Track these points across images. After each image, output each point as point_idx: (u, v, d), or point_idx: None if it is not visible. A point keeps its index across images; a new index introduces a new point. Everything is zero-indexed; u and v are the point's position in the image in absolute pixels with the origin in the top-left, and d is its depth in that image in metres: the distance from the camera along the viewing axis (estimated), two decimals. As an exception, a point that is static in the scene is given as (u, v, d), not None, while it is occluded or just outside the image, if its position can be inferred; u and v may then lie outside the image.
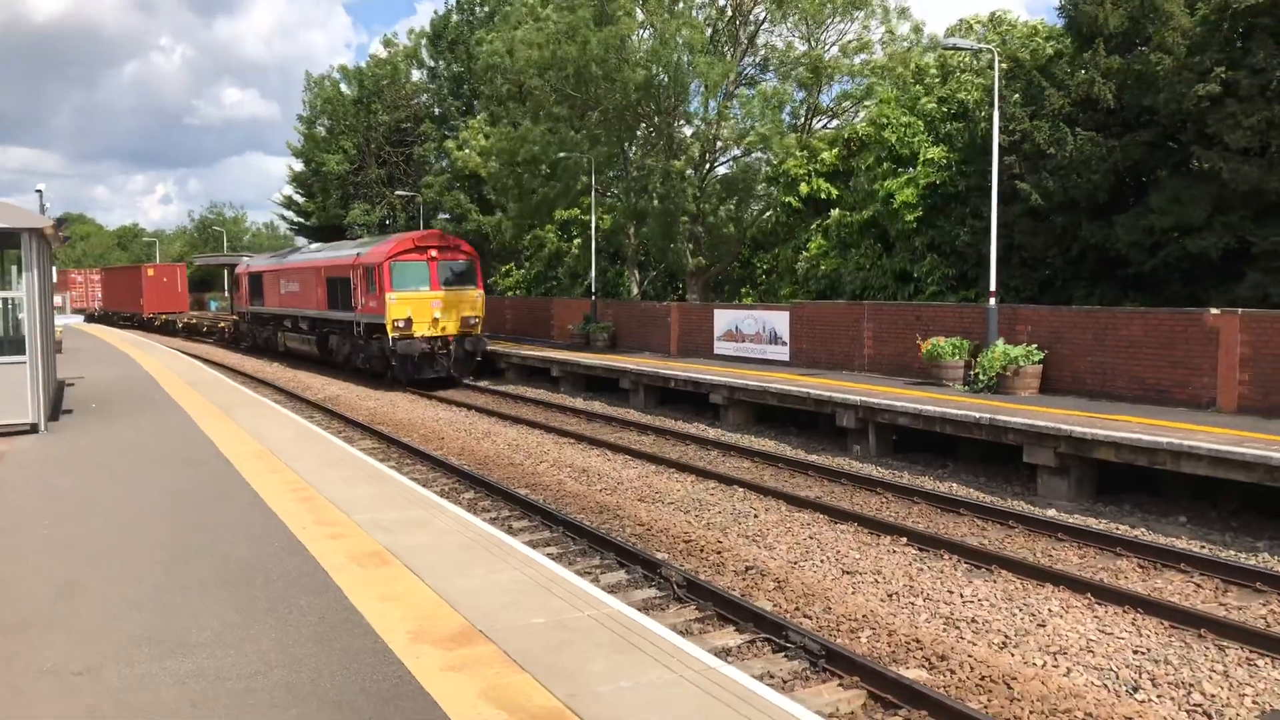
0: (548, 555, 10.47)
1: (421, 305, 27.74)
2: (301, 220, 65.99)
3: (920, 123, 26.68)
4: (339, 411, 23.65)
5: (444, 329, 28.07)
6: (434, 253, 28.29)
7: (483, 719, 5.03)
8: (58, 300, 67.48)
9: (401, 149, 59.16)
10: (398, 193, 56.60)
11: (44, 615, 6.81)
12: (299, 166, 64.29)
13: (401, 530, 8.98)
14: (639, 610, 7.54)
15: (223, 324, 48.70)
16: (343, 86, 61.34)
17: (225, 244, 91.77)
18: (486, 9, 54.90)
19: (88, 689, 5.53)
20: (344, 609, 6.74)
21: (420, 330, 27.72)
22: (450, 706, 5.16)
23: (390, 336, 27.39)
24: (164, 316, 58.00)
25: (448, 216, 53.25)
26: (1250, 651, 8.38)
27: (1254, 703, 7.48)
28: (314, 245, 43.47)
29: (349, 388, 29.25)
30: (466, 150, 44.81)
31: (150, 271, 60.70)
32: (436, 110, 59.10)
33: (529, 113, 34.23)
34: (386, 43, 61.10)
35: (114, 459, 12.93)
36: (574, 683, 5.46)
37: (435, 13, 60.68)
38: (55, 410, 17.30)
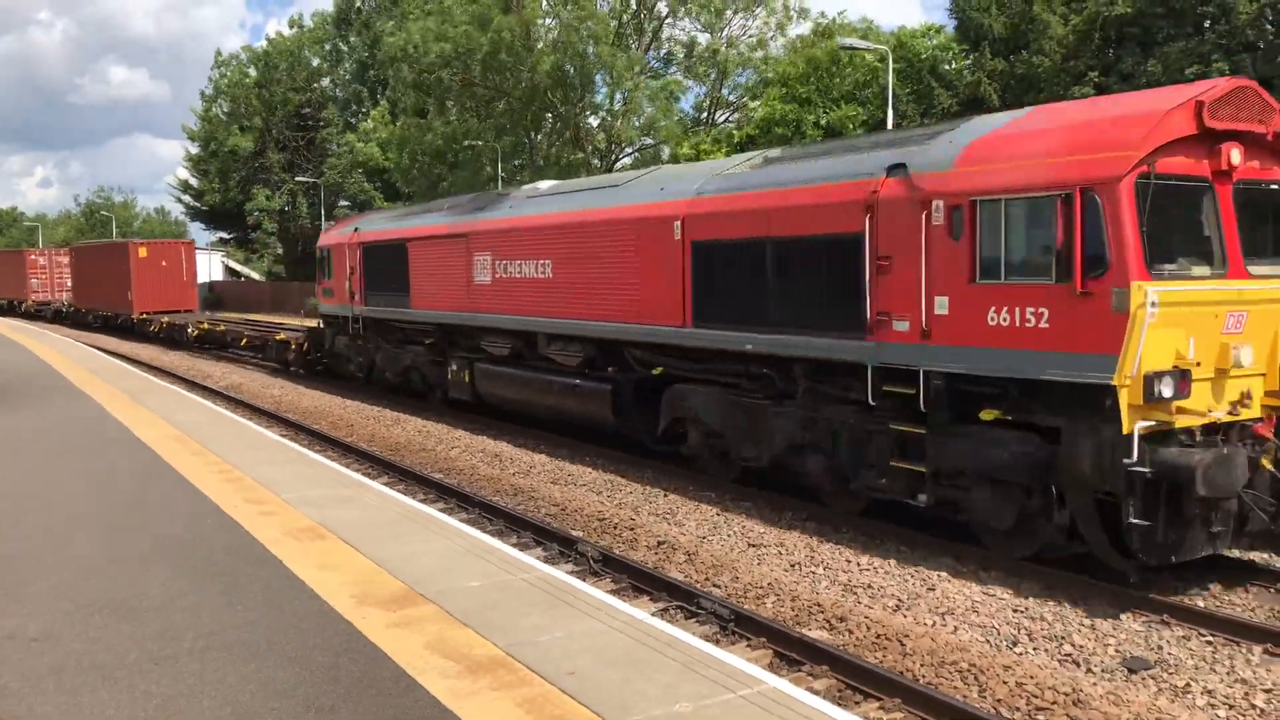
0: (469, 532, 10.89)
1: (1209, 326, 9.26)
2: (197, 204, 64.54)
3: (811, 114, 27.55)
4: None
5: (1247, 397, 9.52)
6: (1234, 156, 9.24)
7: (431, 667, 5.50)
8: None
9: (302, 133, 58.35)
10: (298, 178, 55.86)
11: (-12, 588, 7.02)
12: (195, 149, 62.91)
13: (331, 506, 9.33)
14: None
15: (283, 336, 29.45)
16: (250, 70, 60.21)
17: (115, 230, 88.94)
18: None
19: (49, 651, 5.83)
20: (286, 577, 7.12)
21: (1206, 405, 9.27)
22: (400, 658, 5.63)
23: (1129, 429, 8.67)
24: (165, 319, 39.35)
25: (348, 204, 52.78)
26: (1114, 608, 9.26)
27: (1116, 650, 8.33)
28: (581, 181, 21.23)
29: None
30: (369, 143, 44.60)
31: (142, 252, 41.94)
32: (338, 94, 58.52)
33: (434, 104, 34.33)
34: (292, 23, 60.24)
35: (31, 445, 12.91)
36: (513, 635, 5.97)
37: None
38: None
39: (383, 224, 23.29)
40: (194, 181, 64.34)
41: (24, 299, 55.89)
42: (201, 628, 6.17)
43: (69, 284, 53.66)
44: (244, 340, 32.95)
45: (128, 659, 5.71)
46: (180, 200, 69.11)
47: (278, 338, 29.66)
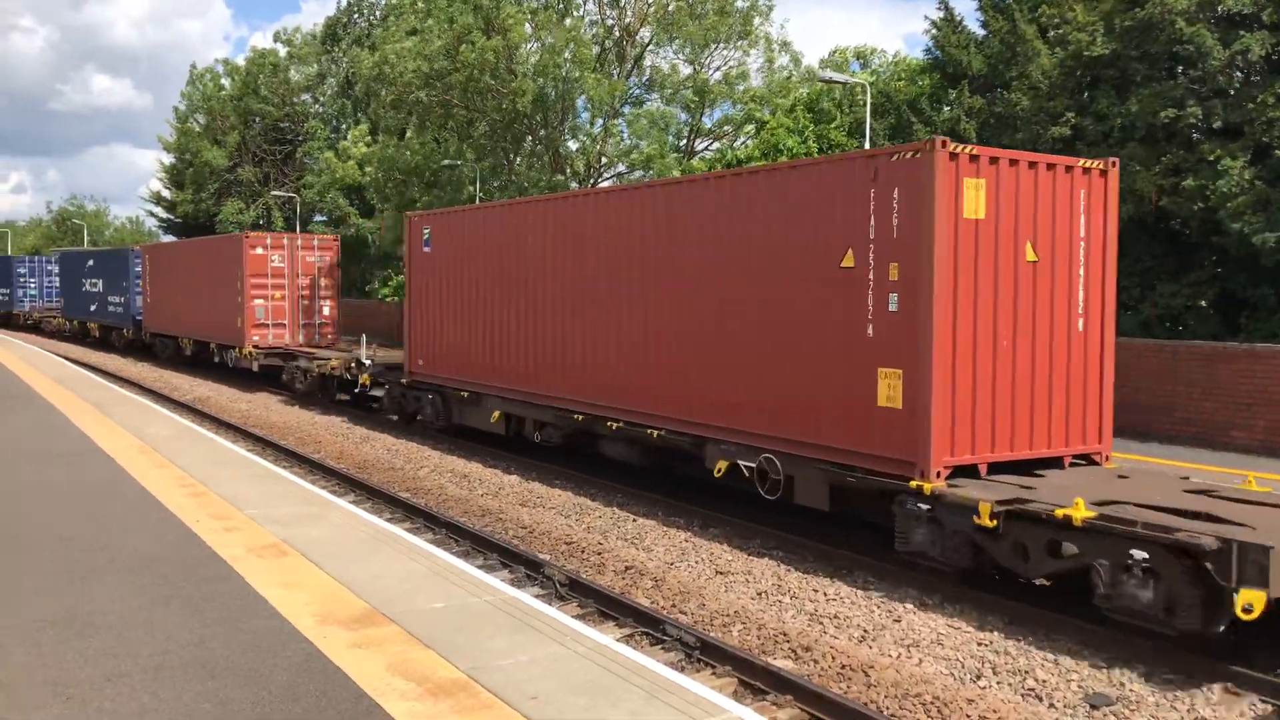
0: (435, 553, 10.78)
1: None
2: (169, 216, 64.11)
3: (812, 145, 27.85)
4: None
5: None
6: None
7: (393, 689, 5.42)
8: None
9: (280, 147, 58.13)
10: (274, 192, 55.51)
11: (-60, 600, 6.87)
12: (170, 160, 62.58)
13: (297, 524, 9.22)
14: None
15: None
16: (225, 82, 59.95)
17: (86, 239, 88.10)
18: (379, 11, 54.83)
19: (-3, 665, 5.70)
20: (247, 594, 7.01)
21: None
22: (361, 679, 5.54)
23: None
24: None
25: (325, 219, 52.60)
26: (1077, 643, 9.30)
27: (1079, 686, 8.35)
28: None
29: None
30: (348, 161, 44.44)
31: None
32: (317, 108, 58.45)
33: (414, 123, 34.30)
34: (277, 37, 59.80)
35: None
36: (476, 658, 5.90)
37: (339, 6, 59.70)
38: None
39: None
40: (167, 193, 63.83)
41: (239, 344, 27.48)
42: (156, 645, 6.06)
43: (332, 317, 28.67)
44: None
45: (77, 675, 5.59)
46: (153, 213, 68.63)
47: None
